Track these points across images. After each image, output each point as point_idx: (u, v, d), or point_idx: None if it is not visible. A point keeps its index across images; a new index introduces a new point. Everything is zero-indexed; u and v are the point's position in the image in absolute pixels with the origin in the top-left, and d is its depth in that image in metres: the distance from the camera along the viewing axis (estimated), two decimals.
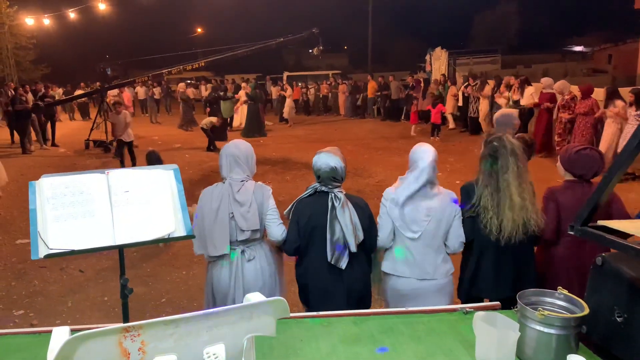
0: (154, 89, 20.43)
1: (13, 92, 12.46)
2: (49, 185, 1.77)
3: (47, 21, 24.86)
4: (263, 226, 2.78)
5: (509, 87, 11.78)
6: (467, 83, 14.37)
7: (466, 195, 2.83)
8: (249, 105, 14.78)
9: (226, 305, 2.76)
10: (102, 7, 21.74)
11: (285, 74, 27.66)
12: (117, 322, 4.16)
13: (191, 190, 8.47)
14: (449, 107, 14.93)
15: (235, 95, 15.85)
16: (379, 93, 18.98)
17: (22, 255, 5.63)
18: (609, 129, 8.78)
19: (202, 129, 12.62)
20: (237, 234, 2.72)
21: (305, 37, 13.85)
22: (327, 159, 2.64)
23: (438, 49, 19.64)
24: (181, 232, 1.83)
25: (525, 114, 10.99)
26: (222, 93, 15.35)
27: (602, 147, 8.73)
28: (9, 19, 25.65)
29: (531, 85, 11.22)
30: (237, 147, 2.85)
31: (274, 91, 21.61)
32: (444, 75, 17.39)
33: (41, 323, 4.16)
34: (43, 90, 14.57)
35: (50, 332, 2.22)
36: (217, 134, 13.57)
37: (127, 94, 15.39)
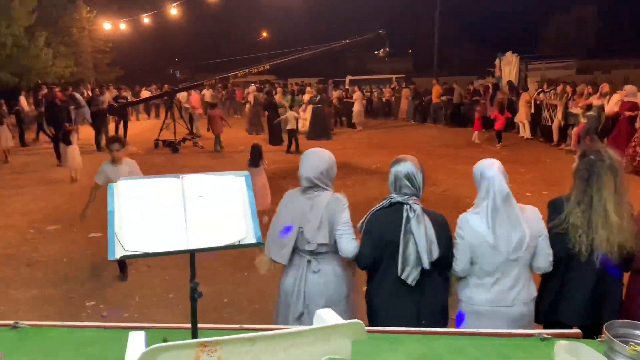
0: (223, 92, 20.94)
1: (90, 94, 13.23)
2: (126, 188, 1.82)
3: (123, 26, 26.17)
4: (333, 240, 2.65)
5: (588, 95, 11.12)
6: (540, 89, 13.83)
7: (554, 211, 2.62)
8: (314, 109, 14.90)
9: (289, 312, 2.81)
10: (173, 12, 22.62)
11: (348, 78, 27.61)
12: (181, 319, 4.28)
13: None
14: (522, 115, 14.31)
15: (302, 96, 15.98)
16: (443, 98, 18.61)
17: (94, 248, 5.91)
18: None
19: (288, 130, 12.82)
20: (304, 244, 2.67)
21: (371, 38, 13.73)
22: (402, 163, 2.57)
23: (509, 54, 18.97)
24: (251, 239, 1.83)
25: (610, 124, 10.37)
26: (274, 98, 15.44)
27: None
28: (88, 24, 27.23)
29: (616, 93, 10.57)
30: (322, 157, 2.78)
31: (335, 95, 21.64)
32: (510, 82, 16.82)
33: (110, 315, 4.34)
34: (116, 92, 15.36)
35: (119, 327, 2.29)
36: (274, 138, 13.76)
37: (195, 96, 15.92)
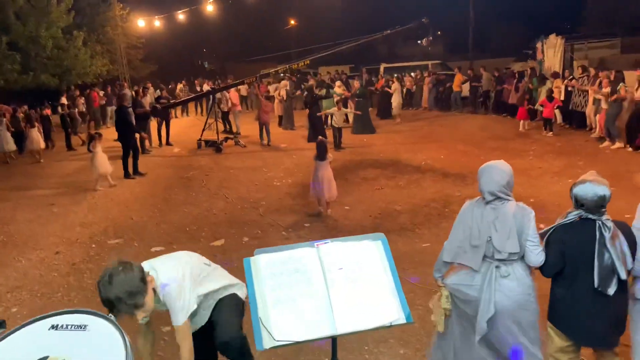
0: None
1: (134, 94, 13.21)
2: (264, 263, 1.67)
3: (157, 23, 26.31)
4: (522, 249, 2.77)
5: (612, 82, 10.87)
6: (571, 76, 13.53)
7: None
8: (358, 102, 14.62)
9: (468, 318, 2.87)
10: (210, 8, 22.53)
11: (383, 66, 27.00)
12: None
13: (303, 194, 8.47)
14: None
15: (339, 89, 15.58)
16: (466, 84, 18.64)
17: None
18: None
19: (334, 127, 12.43)
20: (494, 253, 2.77)
21: (414, 27, 13.34)
22: (594, 188, 2.67)
23: (552, 36, 18.20)
24: (401, 318, 1.66)
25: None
26: (318, 91, 14.92)
27: None
28: (122, 21, 27.43)
29: None
30: (502, 170, 2.86)
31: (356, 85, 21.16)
32: (532, 69, 16.31)
33: None
34: (158, 93, 15.41)
35: None
36: (316, 135, 13.39)
37: (233, 93, 15.83)
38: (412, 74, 22.64)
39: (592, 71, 12.53)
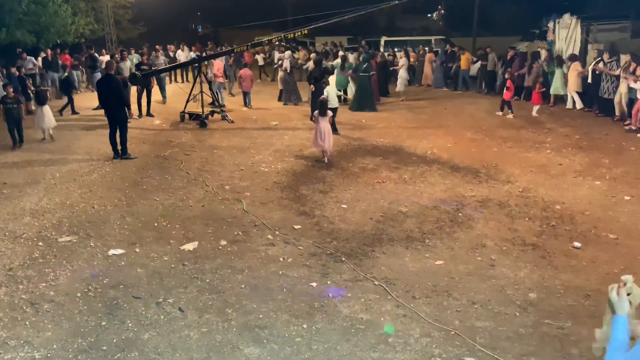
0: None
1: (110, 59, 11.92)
2: None
3: None
4: None
5: None
6: (599, 59, 12.57)
7: None
8: (360, 78, 13.44)
9: None
10: None
11: (383, 39, 25.61)
12: None
13: (295, 187, 7.39)
14: (572, 85, 13.41)
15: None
16: (475, 64, 17.65)
17: (115, 274, 4.79)
18: None
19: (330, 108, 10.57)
20: None
21: None
22: None
23: (567, 16, 16.95)
24: None
25: None
26: (330, 64, 13.45)
27: None
28: None
29: None
30: None
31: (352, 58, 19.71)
32: (549, 51, 15.23)
33: None
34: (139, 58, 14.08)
35: None
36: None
37: (218, 62, 14.51)
38: (416, 49, 21.35)
39: (626, 57, 11.42)
